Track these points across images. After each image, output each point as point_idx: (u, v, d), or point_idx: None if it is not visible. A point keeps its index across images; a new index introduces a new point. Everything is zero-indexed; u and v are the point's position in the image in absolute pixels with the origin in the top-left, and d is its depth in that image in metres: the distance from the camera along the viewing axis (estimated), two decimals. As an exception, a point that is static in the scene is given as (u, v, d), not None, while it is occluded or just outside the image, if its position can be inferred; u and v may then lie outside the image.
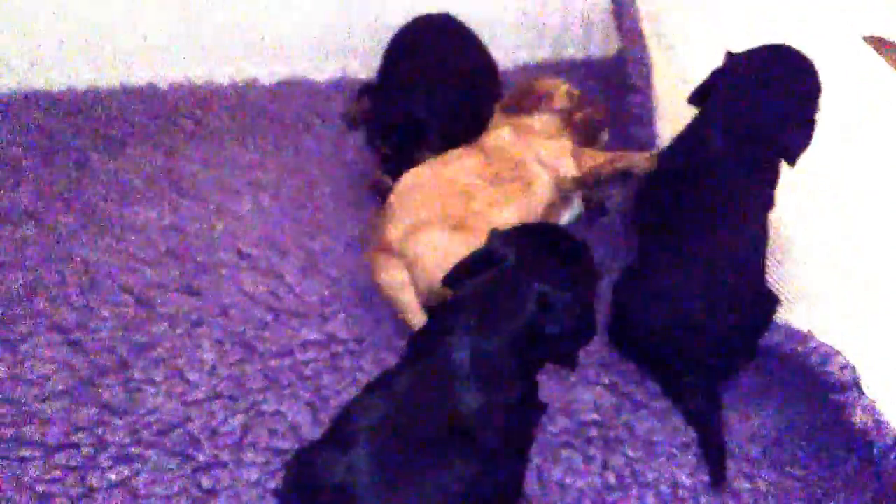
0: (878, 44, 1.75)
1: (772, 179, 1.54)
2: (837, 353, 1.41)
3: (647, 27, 1.97)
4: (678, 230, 1.54)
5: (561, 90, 1.80)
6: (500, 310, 1.16)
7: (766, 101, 1.51)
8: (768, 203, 1.55)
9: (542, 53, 2.35)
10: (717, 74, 1.56)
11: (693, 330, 1.49)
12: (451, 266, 1.26)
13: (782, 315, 1.53)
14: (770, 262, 1.56)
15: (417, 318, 1.53)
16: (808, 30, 1.79)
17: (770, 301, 1.53)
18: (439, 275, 1.29)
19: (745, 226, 1.52)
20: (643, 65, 1.90)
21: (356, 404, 1.14)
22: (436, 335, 1.17)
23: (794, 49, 1.53)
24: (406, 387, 1.13)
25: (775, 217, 1.57)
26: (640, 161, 1.64)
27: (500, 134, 1.71)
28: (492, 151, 1.68)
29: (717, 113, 1.54)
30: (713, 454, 1.45)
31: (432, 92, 1.77)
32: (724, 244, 1.50)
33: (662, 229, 1.57)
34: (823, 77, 1.53)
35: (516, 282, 1.17)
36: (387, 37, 1.97)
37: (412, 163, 1.69)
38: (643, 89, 1.88)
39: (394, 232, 1.55)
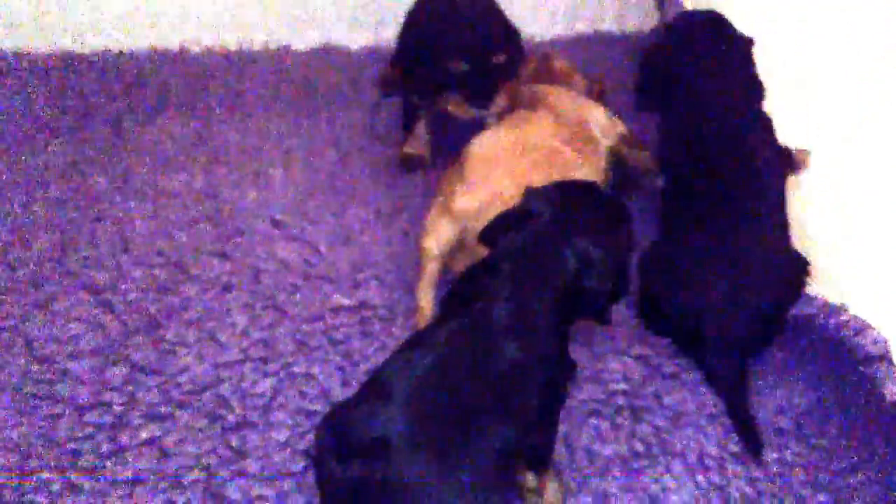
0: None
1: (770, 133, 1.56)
2: (871, 326, 1.41)
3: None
4: (701, 203, 1.53)
5: (579, 84, 1.84)
6: (538, 265, 1.18)
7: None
8: (778, 156, 1.55)
9: (580, 26, 2.32)
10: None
11: (722, 305, 1.47)
12: None
13: (816, 288, 1.51)
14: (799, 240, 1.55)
15: (424, 297, 1.53)
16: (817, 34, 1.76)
17: (801, 265, 1.52)
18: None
19: (765, 190, 1.51)
20: None
21: (393, 361, 1.14)
22: (471, 293, 1.18)
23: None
24: (443, 343, 1.12)
25: (805, 198, 1.56)
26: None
27: (561, 95, 1.71)
28: (559, 113, 1.65)
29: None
30: (743, 426, 1.44)
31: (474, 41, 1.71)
32: (748, 212, 1.49)
33: (686, 203, 1.56)
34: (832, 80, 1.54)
35: (555, 237, 1.19)
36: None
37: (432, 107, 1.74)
38: None
39: (467, 201, 1.50)
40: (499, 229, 1.25)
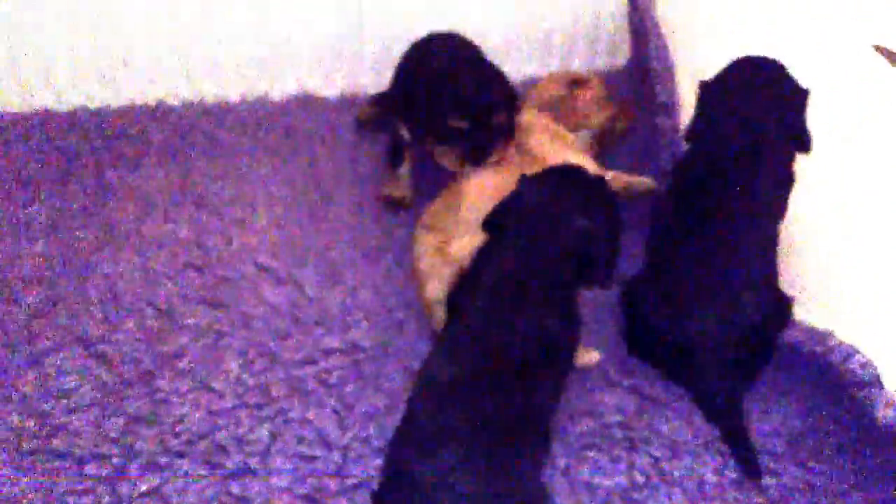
0: (889, 54, 1.77)
1: (785, 183, 1.57)
2: (858, 351, 1.44)
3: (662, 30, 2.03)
4: (691, 237, 1.56)
5: (600, 117, 1.89)
6: (542, 241, 1.33)
7: (755, 107, 1.56)
8: (781, 208, 1.57)
9: (552, 65, 2.38)
10: (701, 105, 1.63)
11: (710, 336, 1.50)
12: None
13: (800, 315, 1.55)
14: (784, 262, 1.58)
15: None
16: (817, 36, 1.83)
17: (785, 303, 1.55)
18: None
19: (758, 231, 1.54)
20: (666, 61, 1.98)
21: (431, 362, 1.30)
22: (481, 280, 1.32)
23: (762, 57, 1.61)
24: (469, 330, 1.29)
25: (792, 218, 1.59)
26: (644, 183, 1.79)
27: (542, 141, 1.76)
28: (536, 158, 1.70)
29: (716, 132, 1.59)
30: (740, 452, 1.46)
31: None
32: (738, 250, 1.51)
33: (676, 236, 1.59)
34: (832, 83, 1.58)
35: (556, 212, 1.34)
36: (397, 52, 1.99)
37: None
38: (667, 82, 1.94)
39: (465, 245, 1.51)
40: (500, 216, 1.38)
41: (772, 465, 1.46)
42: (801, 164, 1.59)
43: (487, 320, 1.28)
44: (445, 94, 1.69)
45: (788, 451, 1.48)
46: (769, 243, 1.55)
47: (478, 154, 1.67)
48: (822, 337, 1.49)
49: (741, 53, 1.64)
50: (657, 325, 1.56)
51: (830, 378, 1.48)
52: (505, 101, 1.72)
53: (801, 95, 1.58)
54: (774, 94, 1.58)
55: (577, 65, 2.38)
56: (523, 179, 1.42)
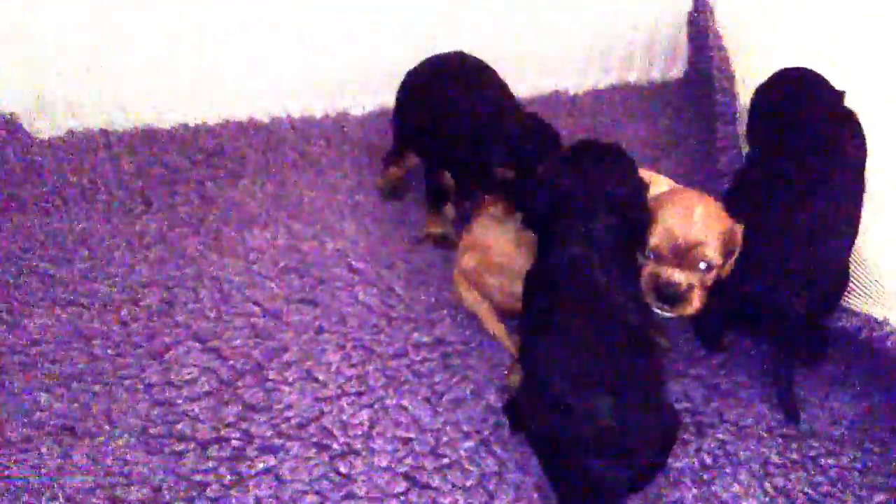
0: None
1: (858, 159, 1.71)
2: None
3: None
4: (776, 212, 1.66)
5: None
6: (598, 217, 1.49)
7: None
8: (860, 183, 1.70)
9: (609, 79, 2.50)
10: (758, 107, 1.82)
11: (794, 281, 1.59)
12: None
13: (859, 305, 1.66)
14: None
15: (495, 328, 1.71)
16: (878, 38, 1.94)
17: (845, 276, 1.67)
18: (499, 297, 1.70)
19: (842, 201, 1.66)
20: (727, 70, 2.08)
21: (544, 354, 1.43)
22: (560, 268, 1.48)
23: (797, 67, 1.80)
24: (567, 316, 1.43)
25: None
26: None
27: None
28: None
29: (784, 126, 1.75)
30: (786, 396, 1.62)
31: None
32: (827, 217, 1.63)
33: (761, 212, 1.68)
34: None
35: (597, 190, 1.51)
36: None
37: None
38: (728, 90, 2.04)
39: (468, 261, 1.75)
40: (532, 210, 1.56)
41: (831, 447, 1.58)
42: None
43: (595, 296, 1.44)
44: (492, 145, 1.72)
45: (846, 435, 1.60)
46: (851, 214, 1.66)
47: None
48: (879, 324, 1.58)
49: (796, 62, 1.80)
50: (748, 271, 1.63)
51: (884, 364, 1.59)
52: (550, 147, 1.73)
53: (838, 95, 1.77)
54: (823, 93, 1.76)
55: (635, 76, 2.50)
56: (546, 167, 1.57)
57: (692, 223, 1.54)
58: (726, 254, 1.58)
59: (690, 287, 1.56)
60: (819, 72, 1.79)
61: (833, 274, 1.63)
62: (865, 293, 1.66)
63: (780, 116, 1.75)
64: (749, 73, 2.01)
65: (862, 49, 1.94)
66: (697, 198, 1.59)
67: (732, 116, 2.00)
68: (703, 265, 1.55)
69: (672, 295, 1.55)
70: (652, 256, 1.57)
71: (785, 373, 1.61)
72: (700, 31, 2.22)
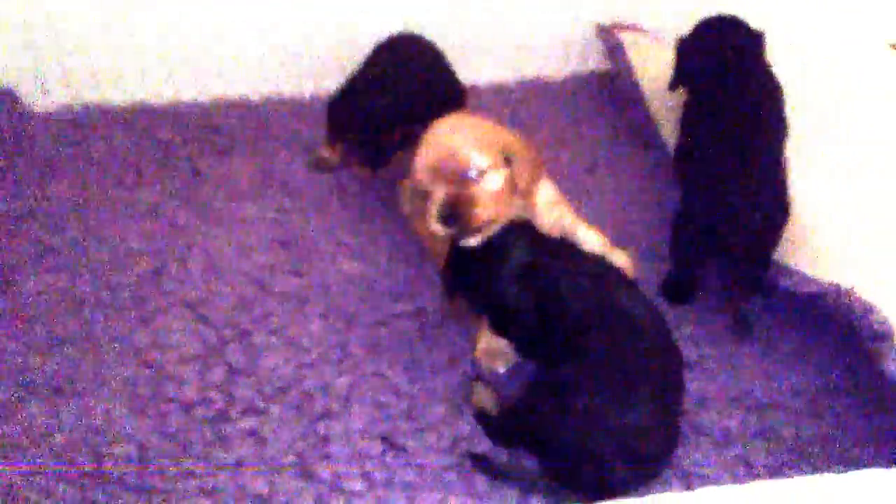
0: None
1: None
2: (877, 307, 1.58)
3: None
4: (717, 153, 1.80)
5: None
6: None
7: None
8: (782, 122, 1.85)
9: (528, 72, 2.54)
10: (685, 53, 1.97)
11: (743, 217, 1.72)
12: None
13: (821, 273, 1.71)
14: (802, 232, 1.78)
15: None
16: (831, 36, 2.01)
17: (787, 203, 1.78)
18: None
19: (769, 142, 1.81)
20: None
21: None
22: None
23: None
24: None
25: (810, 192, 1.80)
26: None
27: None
28: None
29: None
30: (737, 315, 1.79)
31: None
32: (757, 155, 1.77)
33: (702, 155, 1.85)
34: (847, 81, 1.79)
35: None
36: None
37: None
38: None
39: None
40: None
41: (792, 418, 1.64)
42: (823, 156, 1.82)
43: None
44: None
45: (807, 408, 1.66)
46: (778, 154, 1.81)
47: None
48: (845, 292, 1.62)
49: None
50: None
51: (849, 334, 1.65)
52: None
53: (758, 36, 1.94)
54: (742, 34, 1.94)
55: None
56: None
57: (442, 141, 1.51)
58: (505, 160, 1.53)
59: (463, 198, 1.49)
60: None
61: (772, 199, 1.74)
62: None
63: (708, 55, 1.92)
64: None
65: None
66: (453, 122, 1.57)
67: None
68: (472, 172, 1.49)
69: (449, 213, 1.49)
70: (421, 188, 1.53)
71: (738, 294, 1.78)
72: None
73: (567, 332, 1.50)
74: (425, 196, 1.53)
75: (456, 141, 1.51)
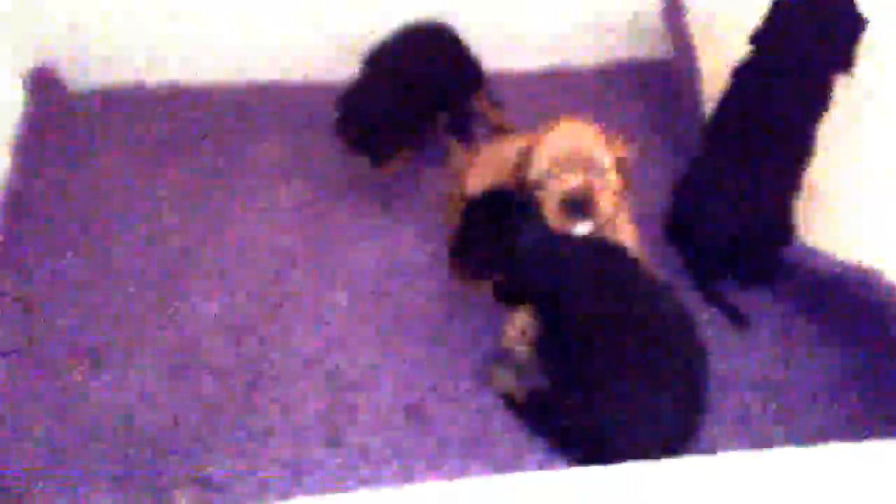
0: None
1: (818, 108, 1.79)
2: None
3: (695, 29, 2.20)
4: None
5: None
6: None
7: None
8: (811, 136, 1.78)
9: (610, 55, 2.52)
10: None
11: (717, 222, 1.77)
12: None
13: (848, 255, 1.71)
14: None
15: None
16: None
17: (790, 226, 1.79)
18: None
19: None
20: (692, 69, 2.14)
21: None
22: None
23: None
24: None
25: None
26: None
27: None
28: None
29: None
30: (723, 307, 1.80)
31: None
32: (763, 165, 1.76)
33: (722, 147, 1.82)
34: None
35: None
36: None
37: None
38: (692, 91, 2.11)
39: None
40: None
41: (811, 405, 1.67)
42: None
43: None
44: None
45: (827, 392, 1.68)
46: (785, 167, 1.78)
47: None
48: (871, 274, 1.63)
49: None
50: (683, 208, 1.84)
51: (871, 317, 1.65)
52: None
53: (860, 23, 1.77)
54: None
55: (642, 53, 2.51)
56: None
57: (570, 136, 1.61)
58: (618, 165, 1.62)
59: (593, 187, 1.58)
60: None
61: (750, 218, 1.75)
62: None
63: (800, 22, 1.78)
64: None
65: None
66: (572, 125, 1.64)
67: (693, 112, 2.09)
68: (604, 163, 1.60)
69: (580, 201, 1.57)
70: (548, 179, 1.59)
71: (710, 289, 1.80)
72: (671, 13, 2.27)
73: (582, 314, 1.52)
74: (542, 189, 1.60)
75: (584, 137, 1.61)
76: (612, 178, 1.62)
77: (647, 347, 1.47)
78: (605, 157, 1.61)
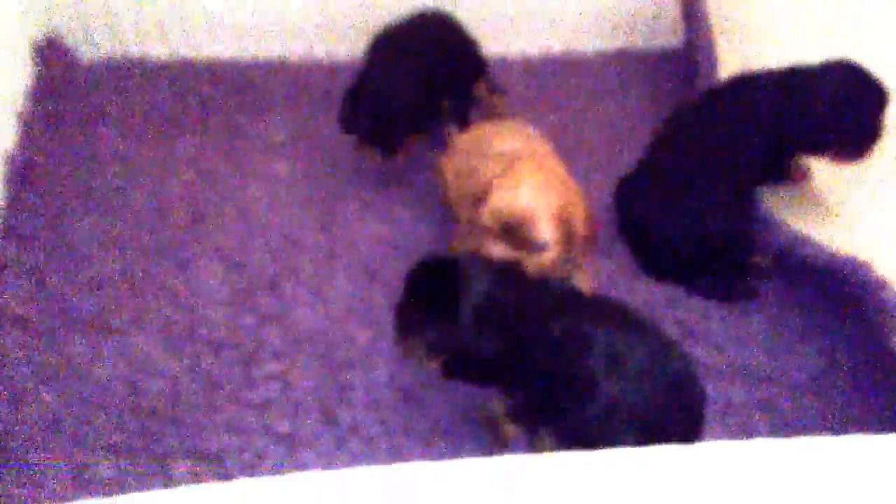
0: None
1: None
2: (891, 283, 1.61)
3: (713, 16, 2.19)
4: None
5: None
6: None
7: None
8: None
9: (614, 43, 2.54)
10: None
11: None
12: None
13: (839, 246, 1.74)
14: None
15: None
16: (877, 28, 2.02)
17: (752, 237, 1.85)
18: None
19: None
20: (709, 55, 2.13)
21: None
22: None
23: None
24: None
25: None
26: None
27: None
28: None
29: None
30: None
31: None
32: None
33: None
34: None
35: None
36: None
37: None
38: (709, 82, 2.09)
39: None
40: None
41: (793, 392, 1.71)
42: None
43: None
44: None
45: (810, 383, 1.72)
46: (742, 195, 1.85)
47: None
48: (860, 265, 1.65)
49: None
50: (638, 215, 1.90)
51: (857, 310, 1.68)
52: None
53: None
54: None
55: (640, 42, 2.53)
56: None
57: (518, 202, 1.51)
58: (566, 236, 1.54)
59: (521, 264, 1.52)
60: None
61: (691, 224, 1.83)
62: None
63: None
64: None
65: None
66: (531, 172, 1.56)
67: None
68: (538, 245, 1.52)
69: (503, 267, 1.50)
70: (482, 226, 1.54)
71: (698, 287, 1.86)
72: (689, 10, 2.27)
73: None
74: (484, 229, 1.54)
75: (530, 207, 1.51)
76: (554, 251, 1.53)
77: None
78: (550, 233, 1.51)
